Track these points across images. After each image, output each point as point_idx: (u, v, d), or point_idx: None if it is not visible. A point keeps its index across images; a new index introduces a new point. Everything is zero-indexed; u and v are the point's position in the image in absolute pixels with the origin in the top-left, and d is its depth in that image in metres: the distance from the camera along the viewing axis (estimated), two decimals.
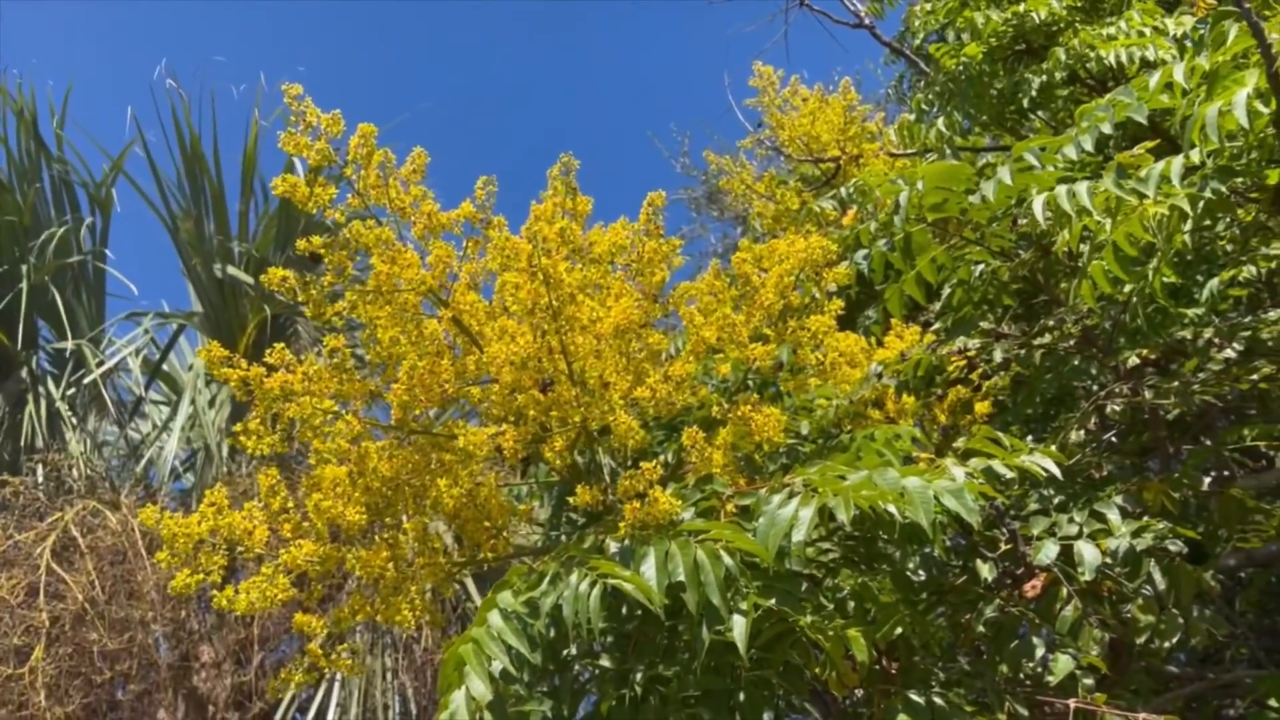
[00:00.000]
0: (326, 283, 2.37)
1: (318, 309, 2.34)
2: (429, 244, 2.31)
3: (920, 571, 2.61)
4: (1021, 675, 2.40)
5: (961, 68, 4.19)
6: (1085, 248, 2.44)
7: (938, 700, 2.10)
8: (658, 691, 2.06)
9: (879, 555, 2.37)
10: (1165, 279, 2.26)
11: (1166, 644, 2.34)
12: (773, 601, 1.90)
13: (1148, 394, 2.64)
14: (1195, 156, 2.11)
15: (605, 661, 2.20)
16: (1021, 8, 4.02)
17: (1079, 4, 4.09)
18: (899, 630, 2.16)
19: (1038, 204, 2.34)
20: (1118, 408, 2.61)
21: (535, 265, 1.92)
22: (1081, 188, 2.26)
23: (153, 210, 8.09)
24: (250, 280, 7.70)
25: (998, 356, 2.84)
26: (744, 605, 1.88)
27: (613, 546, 2.03)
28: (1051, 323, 3.02)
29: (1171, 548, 2.42)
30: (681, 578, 1.89)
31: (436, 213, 2.41)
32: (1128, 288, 2.37)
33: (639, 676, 2.10)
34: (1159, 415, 2.98)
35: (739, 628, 1.85)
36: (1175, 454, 2.91)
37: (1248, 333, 2.65)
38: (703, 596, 1.87)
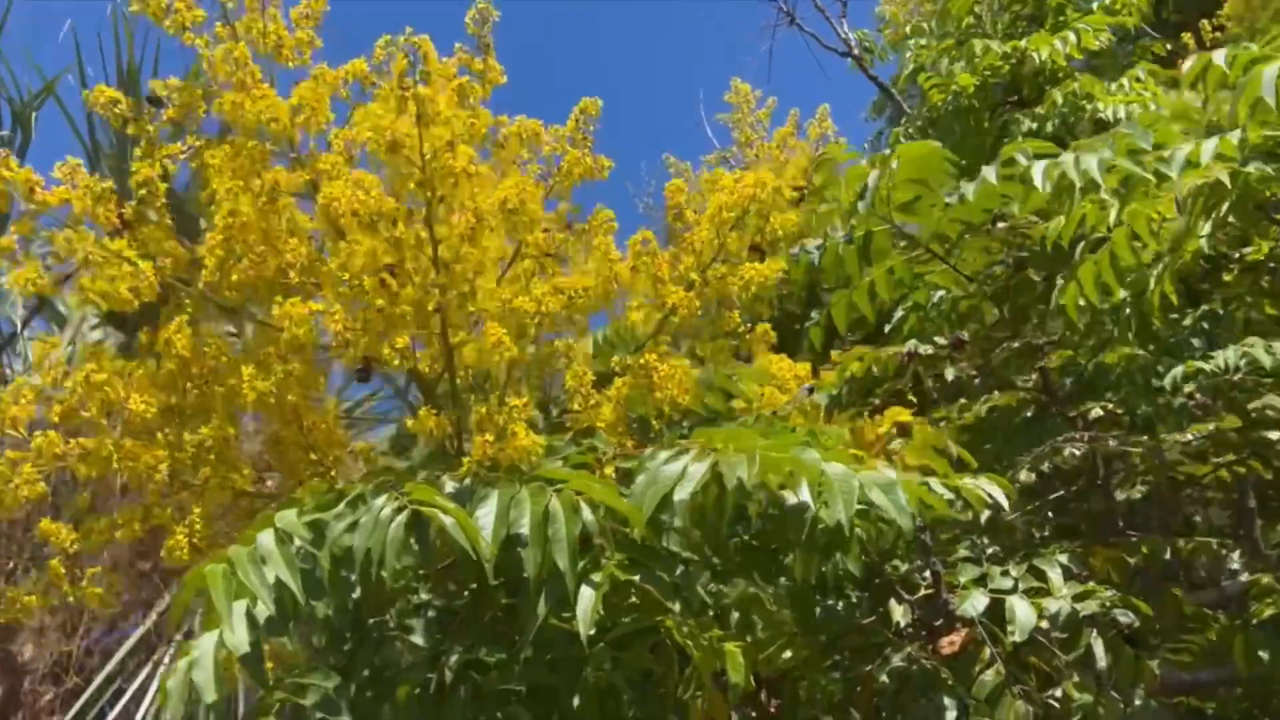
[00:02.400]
0: (168, 118, 1.91)
1: (149, 149, 1.88)
2: (301, 95, 1.86)
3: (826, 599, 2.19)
4: None
5: (951, 99, 3.90)
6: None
7: None
8: (471, 681, 1.59)
9: (779, 569, 1.95)
10: (1164, 294, 1.91)
11: None
12: (637, 578, 1.46)
13: (1112, 443, 2.28)
14: (1233, 140, 1.76)
15: (418, 638, 1.72)
16: (1023, 43, 3.76)
17: (1080, 55, 3.85)
18: (788, 655, 1.73)
19: (1037, 170, 1.99)
20: (1077, 452, 2.25)
21: (407, 89, 1.48)
22: (1091, 159, 1.92)
23: (77, 139, 7.50)
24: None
25: (949, 375, 2.47)
26: (598, 576, 1.44)
27: (449, 486, 1.58)
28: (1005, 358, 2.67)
29: (1122, 619, 2.04)
30: (524, 529, 1.45)
31: (324, 71, 1.98)
32: (1123, 295, 2.01)
33: (452, 660, 1.63)
34: (1110, 480, 2.63)
35: (585, 602, 1.40)
36: (1126, 526, 2.55)
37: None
38: (548, 557, 1.43)
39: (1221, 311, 2.94)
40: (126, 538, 1.84)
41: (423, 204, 1.59)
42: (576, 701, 1.56)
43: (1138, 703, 1.97)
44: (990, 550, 2.34)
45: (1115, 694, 1.99)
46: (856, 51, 5.32)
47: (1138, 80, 3.55)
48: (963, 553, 2.35)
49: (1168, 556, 2.42)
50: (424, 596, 1.86)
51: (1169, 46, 4.47)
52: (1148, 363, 2.98)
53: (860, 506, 1.86)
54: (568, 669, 1.59)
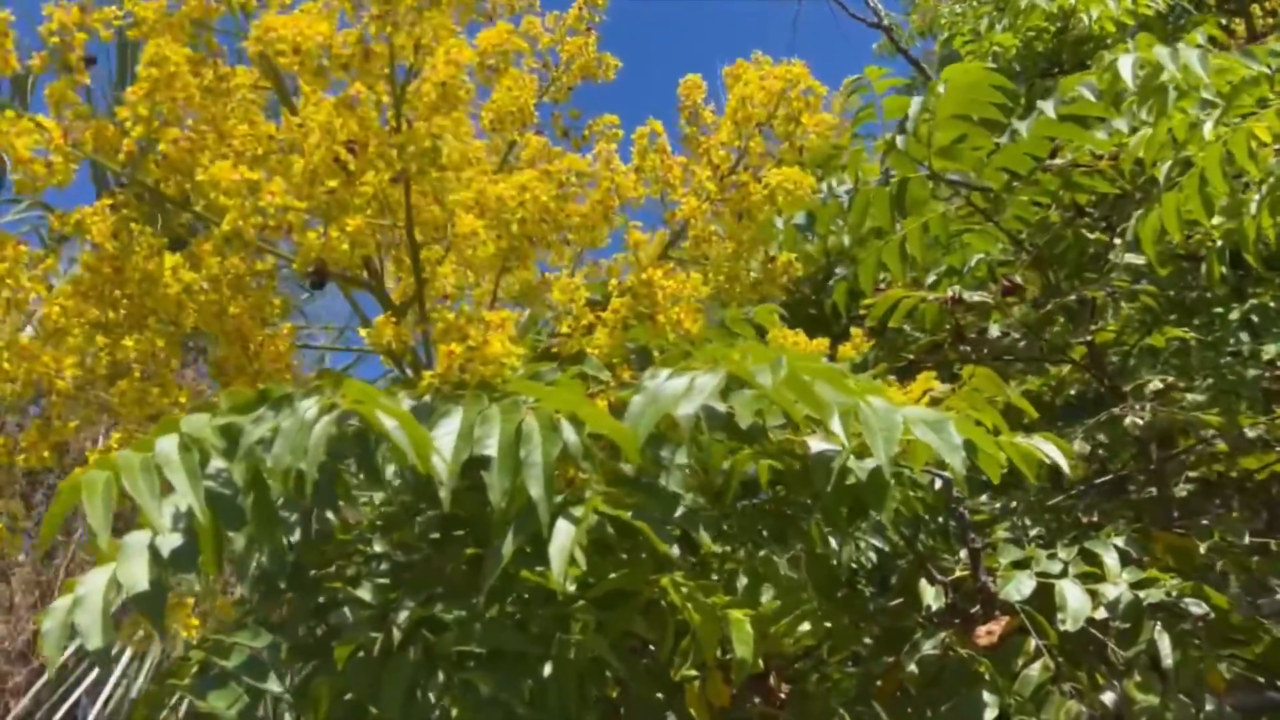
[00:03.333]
0: None
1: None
2: None
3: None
4: None
5: (989, 63, 3.62)
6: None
7: None
8: (424, 641, 1.31)
9: (795, 533, 1.66)
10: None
11: None
12: (627, 515, 1.17)
13: (1180, 414, 1.99)
14: None
15: (365, 592, 1.44)
16: (1072, 0, 3.48)
17: (1132, 21, 3.57)
18: (806, 628, 1.45)
19: (1125, 63, 1.71)
20: (1140, 421, 1.96)
21: None
22: (1192, 53, 1.63)
23: None
24: None
25: (993, 331, 2.18)
26: (579, 511, 1.16)
27: (406, 402, 1.30)
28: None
29: (1195, 610, 1.75)
30: (492, 450, 1.17)
31: None
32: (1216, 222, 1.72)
33: (402, 617, 1.35)
34: (1166, 467, 2.34)
35: (561, 538, 1.12)
36: (1189, 510, 2.25)
37: None
38: (519, 483, 1.14)
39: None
40: (33, 463, 1.56)
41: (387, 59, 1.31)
42: (549, 670, 1.28)
43: (1210, 707, 1.68)
44: (1035, 532, 2.05)
45: (1184, 697, 1.70)
46: (886, 23, 5.04)
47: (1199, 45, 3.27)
48: (1003, 534, 2.07)
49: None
50: (378, 548, 1.58)
51: (1223, 22, 4.20)
52: (1202, 342, 2.70)
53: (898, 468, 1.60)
54: (540, 631, 1.30)
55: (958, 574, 1.93)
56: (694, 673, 1.56)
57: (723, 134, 1.64)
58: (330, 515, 1.46)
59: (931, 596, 1.86)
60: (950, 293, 2.13)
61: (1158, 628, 1.76)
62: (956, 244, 2.68)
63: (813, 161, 2.44)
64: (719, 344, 1.53)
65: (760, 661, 1.58)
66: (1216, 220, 1.72)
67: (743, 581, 1.50)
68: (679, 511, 1.25)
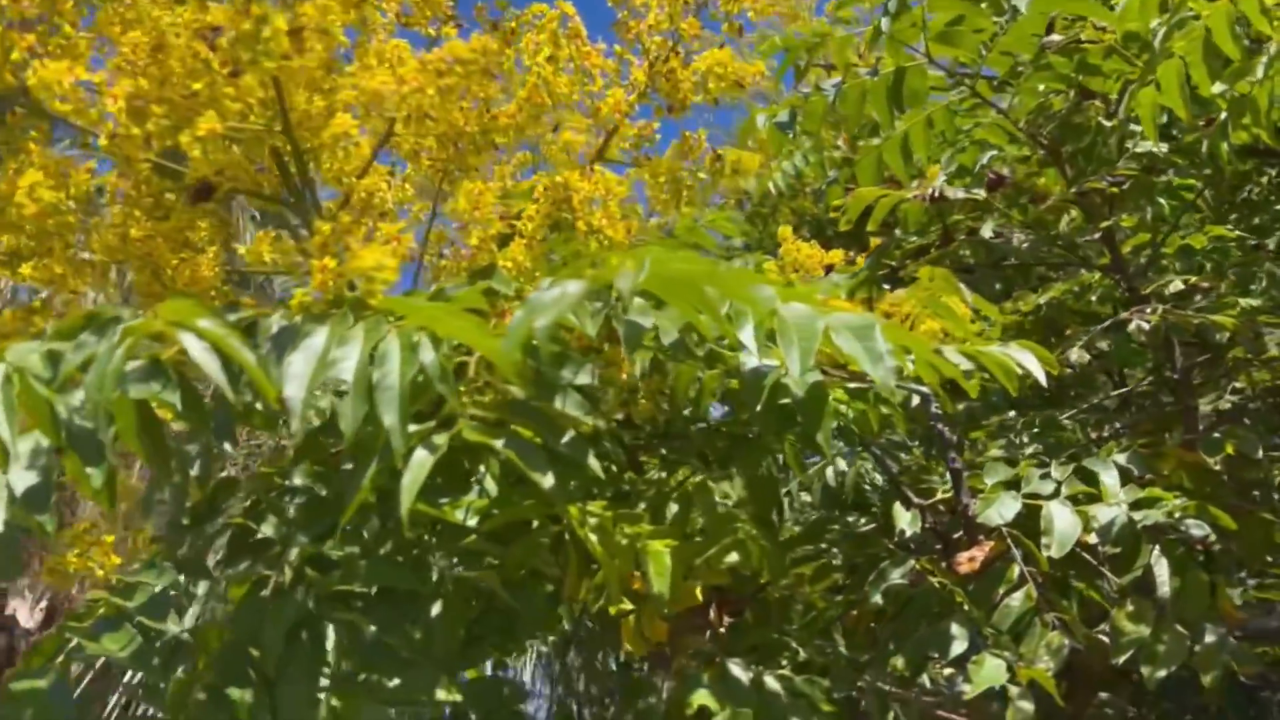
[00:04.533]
0: None
1: None
2: None
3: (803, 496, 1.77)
4: (926, 677, 1.56)
5: None
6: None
7: (772, 684, 1.26)
8: (310, 579, 1.22)
9: (746, 457, 1.52)
10: None
11: (1159, 673, 1.49)
12: (498, 443, 1.05)
13: (1194, 317, 1.78)
14: None
15: (268, 528, 1.35)
16: None
17: None
18: (734, 558, 1.32)
19: None
20: (1145, 326, 1.76)
21: None
22: None
23: None
24: None
25: (985, 232, 1.98)
26: (439, 439, 1.04)
27: (275, 324, 1.19)
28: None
29: (1195, 532, 1.57)
30: (347, 375, 1.05)
31: None
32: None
33: (293, 555, 1.26)
34: (1190, 375, 2.13)
35: (414, 471, 1.01)
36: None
37: None
38: (370, 410, 1.03)
39: None
40: None
41: None
42: (437, 609, 1.18)
43: (1210, 639, 1.52)
44: (1031, 450, 1.88)
45: (1181, 627, 1.54)
46: None
47: None
48: (995, 452, 1.90)
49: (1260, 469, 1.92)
50: (298, 480, 1.50)
51: None
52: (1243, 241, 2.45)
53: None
54: (430, 568, 1.20)
55: (940, 496, 1.78)
56: (629, 606, 1.46)
57: (652, 15, 1.47)
58: (228, 447, 1.38)
59: (906, 521, 1.71)
60: (931, 189, 1.93)
61: (1156, 552, 1.59)
62: (965, 141, 2.45)
63: (793, 52, 2.24)
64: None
65: (699, 593, 1.47)
66: (1218, 88, 1.49)
67: (673, 510, 1.38)
68: (567, 437, 1.12)
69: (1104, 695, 5.46)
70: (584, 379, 1.21)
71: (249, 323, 1.20)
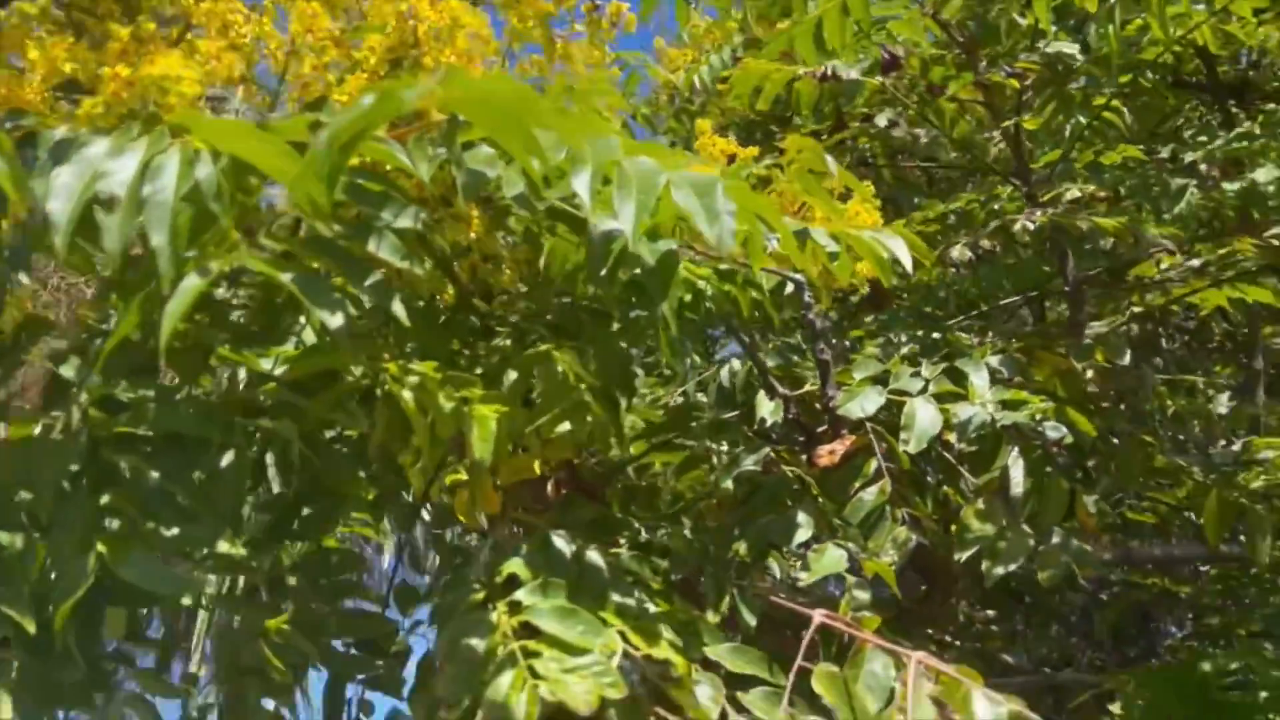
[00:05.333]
0: None
1: None
2: None
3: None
4: (776, 567, 1.53)
5: None
6: None
7: (594, 558, 1.21)
8: (91, 421, 1.12)
9: (596, 328, 1.44)
10: None
11: (997, 570, 1.48)
12: (285, 276, 0.95)
13: (1084, 225, 1.73)
14: None
15: (68, 370, 1.25)
16: None
17: None
18: (564, 427, 1.25)
19: None
20: (1031, 225, 1.71)
21: None
22: None
23: None
24: None
25: (881, 120, 1.90)
26: (216, 264, 0.94)
27: (57, 134, 1.06)
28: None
29: (1051, 433, 1.55)
30: (120, 190, 0.94)
31: None
32: None
33: (83, 396, 1.16)
34: (1082, 291, 2.10)
35: (178, 300, 0.91)
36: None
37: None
38: (137, 230, 0.92)
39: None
40: None
41: None
42: (229, 460, 1.09)
43: (1054, 540, 1.51)
44: (906, 348, 1.84)
45: (1028, 528, 1.52)
46: None
47: None
48: (872, 350, 1.86)
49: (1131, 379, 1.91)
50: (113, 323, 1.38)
51: None
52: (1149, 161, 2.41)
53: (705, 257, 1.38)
54: (224, 415, 1.11)
55: (808, 388, 1.73)
56: (464, 476, 1.39)
57: None
58: (22, 278, 1.26)
59: (768, 410, 1.66)
60: (825, 68, 1.84)
61: (1015, 454, 1.57)
62: (882, 31, 2.35)
63: None
64: None
65: (537, 466, 1.41)
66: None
67: (511, 377, 1.30)
68: (372, 279, 1.03)
69: (990, 612, 5.58)
70: (405, 222, 1.11)
71: (27, 134, 1.07)
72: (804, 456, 1.67)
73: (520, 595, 1.11)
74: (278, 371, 1.13)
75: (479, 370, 1.32)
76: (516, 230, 1.59)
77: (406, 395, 1.12)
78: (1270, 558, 3.79)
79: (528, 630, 1.08)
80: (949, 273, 2.96)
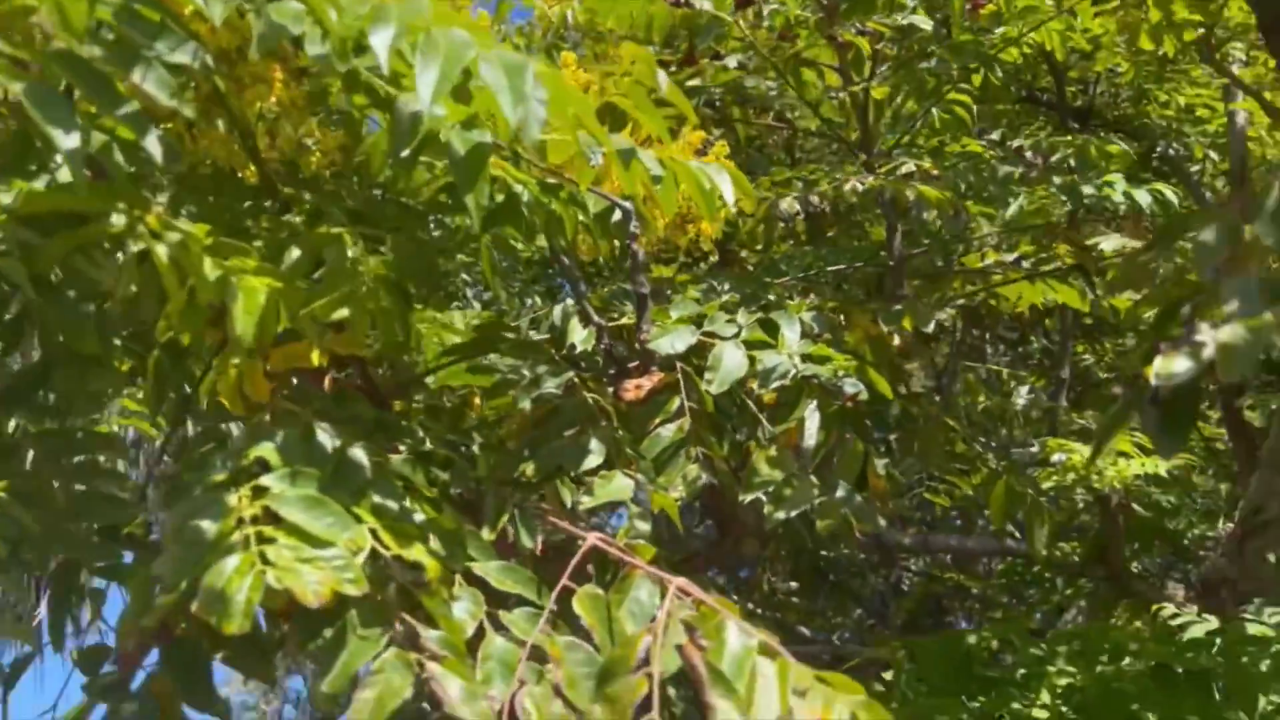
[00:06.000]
0: None
1: None
2: None
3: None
4: (568, 494, 1.49)
5: None
6: None
7: (358, 455, 1.13)
8: None
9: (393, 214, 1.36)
10: None
11: (779, 514, 1.49)
12: (17, 87, 0.83)
13: (911, 194, 1.76)
14: None
15: None
16: None
17: None
18: (343, 313, 1.17)
19: None
20: (860, 187, 1.73)
21: None
22: None
23: None
24: None
25: (731, 62, 1.87)
26: None
27: None
28: None
29: (848, 388, 1.57)
30: None
31: None
32: None
33: None
34: (903, 267, 2.14)
35: None
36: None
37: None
38: None
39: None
40: None
41: None
42: None
43: (839, 493, 1.53)
44: (727, 296, 1.83)
45: (815, 478, 1.54)
46: None
47: None
48: (693, 294, 1.84)
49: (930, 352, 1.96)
50: None
51: None
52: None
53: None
54: None
55: (624, 321, 1.70)
56: (236, 360, 1.29)
57: None
58: None
59: (580, 337, 1.62)
60: None
61: (813, 407, 1.58)
62: None
63: None
64: None
65: (316, 356, 1.32)
66: None
67: (294, 254, 1.20)
68: (125, 108, 0.91)
69: (794, 584, 5.73)
70: (181, 58, 1.00)
71: None
72: (611, 388, 1.63)
73: (266, 480, 1.03)
74: (14, 204, 1.01)
75: (259, 243, 1.22)
76: (336, 113, 1.49)
77: (161, 251, 1.01)
78: (1051, 554, 4.02)
79: (269, 518, 1.00)
80: (786, 246, 2.99)
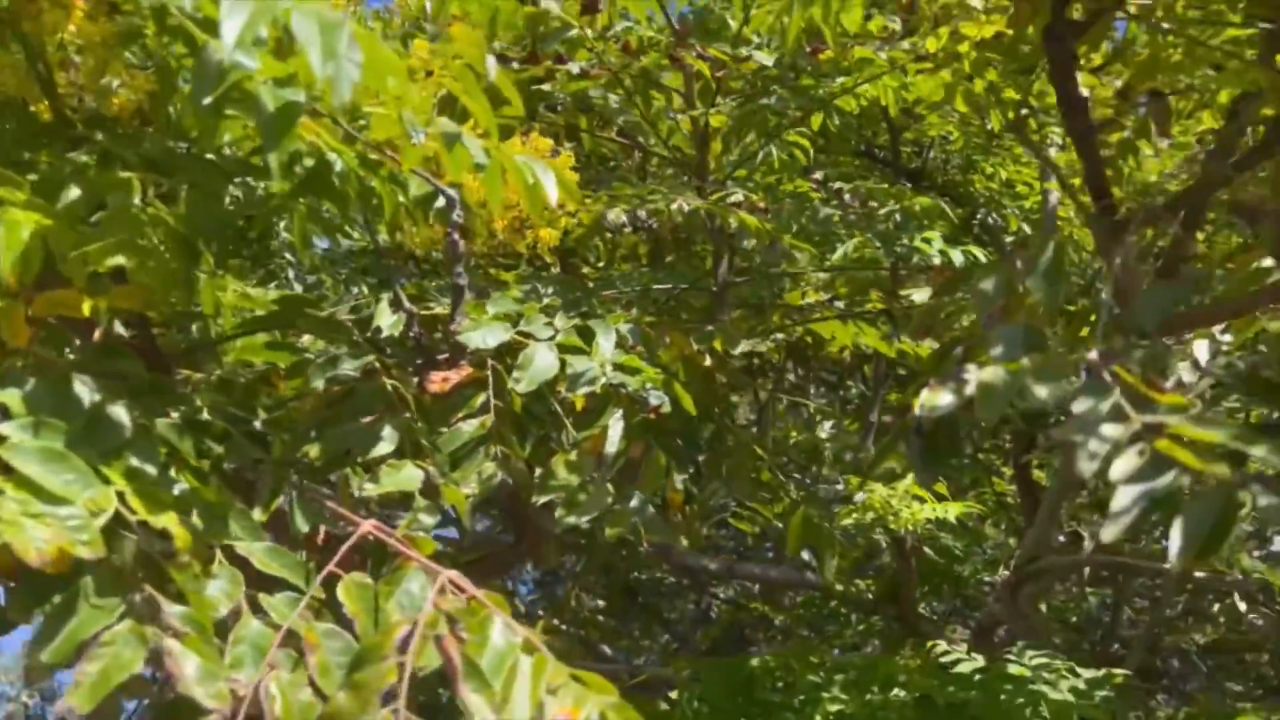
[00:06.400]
0: None
1: None
2: None
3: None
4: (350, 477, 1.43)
5: None
6: None
7: (118, 414, 1.06)
8: None
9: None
10: None
11: (569, 519, 1.48)
12: None
13: (735, 221, 1.80)
14: None
15: None
16: None
17: None
18: (118, 260, 1.09)
19: None
20: (686, 208, 1.75)
21: None
22: None
23: None
24: None
25: (574, 68, 1.87)
26: None
27: None
28: None
29: (653, 399, 1.58)
30: None
31: None
32: None
33: None
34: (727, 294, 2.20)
35: None
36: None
37: None
38: None
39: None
40: None
41: None
42: None
43: (633, 503, 1.54)
44: (550, 297, 1.82)
45: (611, 486, 1.54)
46: None
47: None
48: (515, 294, 1.82)
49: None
50: None
51: None
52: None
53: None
54: None
55: (439, 311, 1.67)
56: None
57: None
58: None
59: (387, 321, 1.58)
60: None
61: (618, 416, 1.58)
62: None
63: None
64: None
65: (87, 307, 1.22)
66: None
67: (74, 193, 1.11)
68: None
69: (600, 603, 5.71)
70: None
71: None
72: (416, 378, 1.59)
73: (4, 428, 0.94)
74: None
75: (34, 177, 1.12)
76: (151, 58, 1.40)
77: None
78: (848, 590, 4.18)
79: (1, 468, 0.92)
80: (628, 266, 3.02)
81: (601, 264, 3.51)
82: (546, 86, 2.23)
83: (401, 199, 1.52)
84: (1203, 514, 0.85)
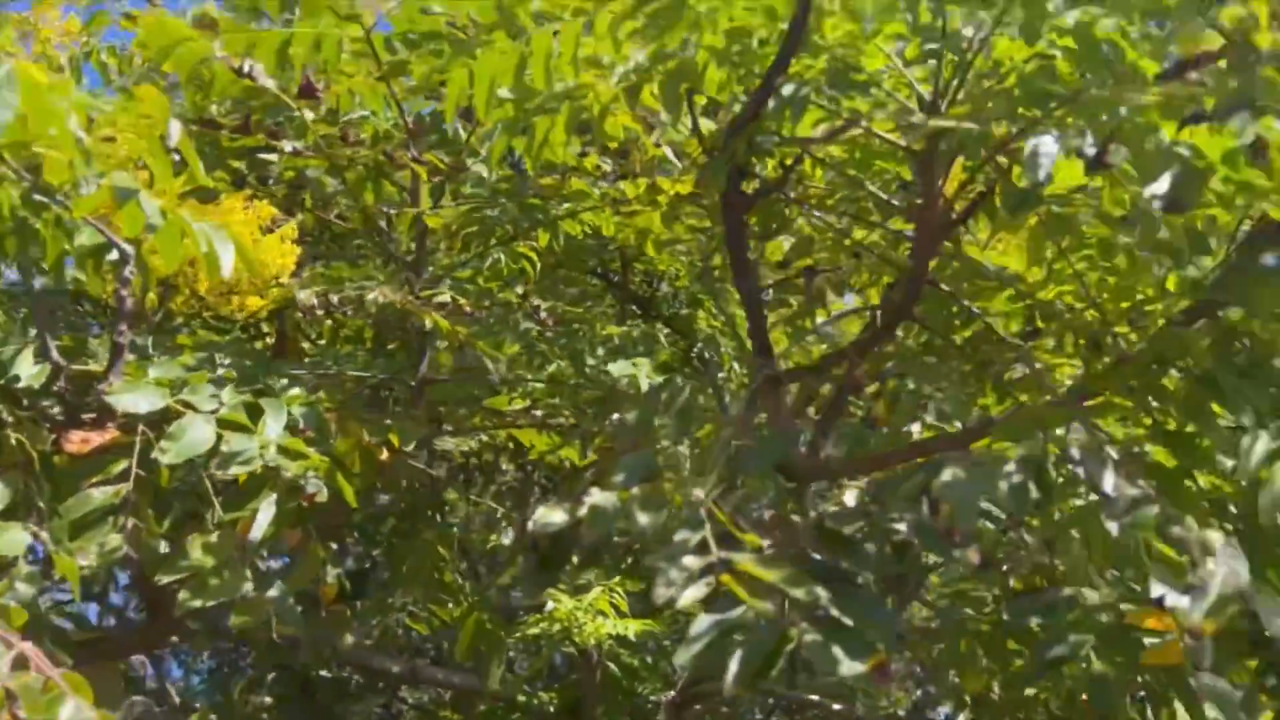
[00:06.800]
0: None
1: None
2: None
3: None
4: None
5: None
6: None
7: None
8: None
9: None
10: None
11: (196, 602, 1.40)
12: None
13: (427, 320, 1.83)
14: None
15: None
16: None
17: None
18: None
19: None
20: (381, 300, 1.77)
21: None
22: None
23: None
24: None
25: (287, 146, 1.86)
26: None
27: None
28: None
29: (310, 487, 1.55)
30: None
31: None
32: None
33: None
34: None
35: None
36: None
37: None
38: None
39: None
40: None
41: None
42: None
43: (273, 592, 1.48)
44: (226, 369, 1.75)
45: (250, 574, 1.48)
46: None
47: None
48: (187, 360, 1.74)
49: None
50: None
51: None
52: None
53: None
54: None
55: (93, 366, 1.57)
56: None
57: None
58: None
59: (29, 372, 1.47)
60: (244, 64, 1.76)
61: (271, 499, 1.54)
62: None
63: None
64: None
65: None
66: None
67: None
68: None
69: (269, 699, 5.31)
70: None
71: None
72: (53, 435, 1.49)
73: None
74: None
75: None
76: None
77: None
78: (530, 701, 4.15)
79: None
80: (350, 347, 2.97)
81: (323, 341, 3.41)
82: (273, 157, 2.20)
83: (67, 246, 1.45)
84: (756, 645, 0.95)
